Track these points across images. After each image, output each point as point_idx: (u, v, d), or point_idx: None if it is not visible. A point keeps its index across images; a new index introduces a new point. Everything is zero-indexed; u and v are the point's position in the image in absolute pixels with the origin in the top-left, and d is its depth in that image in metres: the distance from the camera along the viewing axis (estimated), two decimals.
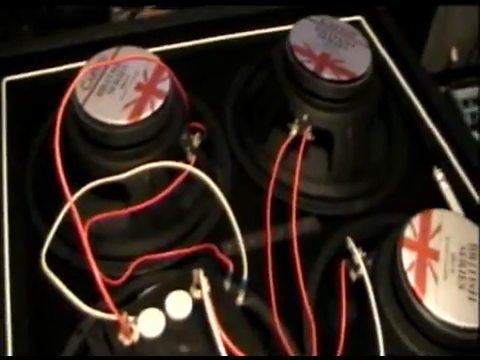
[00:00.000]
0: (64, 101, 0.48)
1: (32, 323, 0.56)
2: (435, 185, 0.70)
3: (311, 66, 0.63)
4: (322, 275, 0.59)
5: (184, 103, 0.61)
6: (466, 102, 1.03)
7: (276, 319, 0.54)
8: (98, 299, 0.43)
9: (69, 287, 0.45)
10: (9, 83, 0.72)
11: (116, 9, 1.04)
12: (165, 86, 0.58)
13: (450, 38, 1.10)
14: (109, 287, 0.51)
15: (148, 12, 1.03)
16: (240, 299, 0.51)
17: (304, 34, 0.66)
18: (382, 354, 0.48)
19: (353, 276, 0.53)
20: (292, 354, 0.51)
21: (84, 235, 0.43)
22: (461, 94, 1.05)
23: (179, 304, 0.45)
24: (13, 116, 0.69)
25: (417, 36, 1.09)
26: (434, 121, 0.74)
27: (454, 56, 1.10)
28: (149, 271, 0.58)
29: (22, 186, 0.64)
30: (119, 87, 0.57)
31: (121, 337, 0.43)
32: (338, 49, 0.66)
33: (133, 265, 0.56)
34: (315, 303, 0.57)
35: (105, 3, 0.95)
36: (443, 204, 0.68)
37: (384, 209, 0.67)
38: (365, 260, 0.53)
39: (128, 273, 0.55)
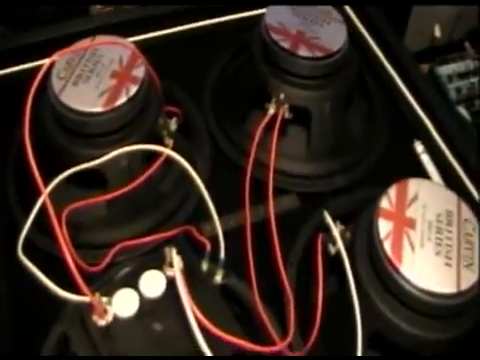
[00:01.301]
0: (32, 88, 0.49)
1: (15, 312, 0.56)
2: (416, 158, 0.70)
3: (286, 44, 0.63)
4: (303, 251, 0.59)
5: (158, 88, 0.61)
6: (450, 77, 1.03)
7: (256, 297, 0.53)
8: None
9: (50, 277, 0.45)
10: None
11: (98, 6, 1.04)
12: (140, 72, 0.59)
13: (433, 15, 1.09)
14: (89, 274, 0.52)
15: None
16: (218, 278, 0.51)
17: (279, 14, 0.67)
18: (359, 326, 0.48)
19: (332, 250, 0.53)
20: (272, 331, 0.51)
21: (56, 224, 0.44)
22: (445, 70, 1.04)
23: (153, 283, 0.45)
24: None
25: (400, 14, 1.09)
26: (413, 95, 0.74)
27: (437, 33, 1.09)
28: (129, 257, 0.57)
29: (3, 179, 0.64)
30: (94, 76, 0.58)
31: (95, 318, 0.43)
32: (313, 26, 0.66)
33: (112, 252, 0.56)
34: (296, 280, 0.57)
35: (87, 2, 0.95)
36: (424, 176, 0.68)
37: (365, 184, 0.67)
38: (343, 233, 0.54)
39: (107, 260, 0.55)
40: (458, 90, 1.03)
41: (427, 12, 1.10)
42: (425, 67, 1.07)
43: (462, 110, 1.02)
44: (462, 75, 1.05)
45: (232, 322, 0.48)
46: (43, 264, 0.48)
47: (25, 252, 0.50)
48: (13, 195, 0.64)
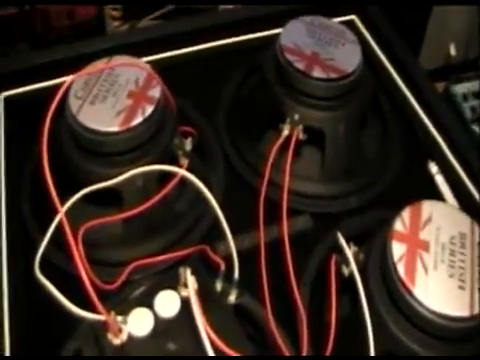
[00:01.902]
0: (52, 108, 0.50)
1: (29, 328, 0.57)
2: (430, 179, 0.70)
3: (301, 65, 0.64)
4: (317, 272, 0.60)
5: (173, 109, 0.62)
6: (465, 96, 1.03)
7: (270, 316, 0.54)
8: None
9: (66, 294, 0.46)
10: (7, 98, 0.73)
11: (115, 23, 1.06)
12: (156, 92, 0.59)
13: (448, 33, 1.09)
14: (104, 292, 0.53)
15: (145, 24, 1.04)
16: (232, 298, 0.51)
17: (294, 35, 0.67)
18: (372, 347, 0.48)
19: (345, 271, 0.54)
20: (285, 351, 0.51)
21: (72, 243, 0.45)
22: (460, 89, 1.04)
23: (167, 303, 0.46)
24: (11, 129, 0.70)
25: (415, 33, 1.09)
26: (428, 115, 0.74)
27: (452, 51, 1.09)
28: (144, 275, 0.58)
29: (19, 197, 0.65)
30: (111, 95, 0.59)
31: (110, 337, 0.43)
32: (328, 48, 0.66)
33: (127, 270, 0.56)
34: (309, 300, 0.57)
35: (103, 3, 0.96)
36: (439, 197, 0.68)
37: (379, 204, 0.67)
38: (357, 255, 0.54)
39: (123, 278, 0.56)
40: (473, 109, 1.03)
41: (442, 30, 1.10)
42: (440, 85, 1.07)
43: (477, 129, 1.01)
44: (477, 94, 1.05)
45: (245, 342, 0.48)
46: (59, 281, 0.49)
47: (41, 268, 0.51)
48: (28, 211, 0.64)
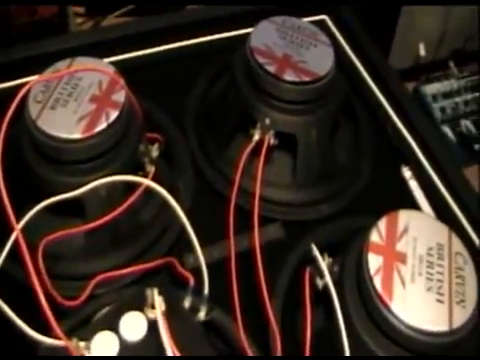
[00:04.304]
0: (7, 116, 0.47)
1: None
2: (404, 184, 0.69)
3: (272, 68, 0.61)
4: (289, 283, 0.58)
5: (139, 114, 0.59)
6: (435, 97, 1.04)
7: (241, 333, 0.52)
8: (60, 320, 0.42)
9: (29, 310, 0.43)
10: None
11: (78, 20, 1.02)
12: (120, 97, 0.56)
13: (417, 33, 1.09)
14: (67, 308, 0.50)
15: (111, 21, 1.01)
16: (201, 314, 0.49)
17: (265, 36, 0.65)
18: None
19: (319, 283, 0.52)
20: None
21: (30, 265, 0.42)
22: (430, 89, 1.05)
23: (133, 326, 0.43)
24: None
25: (384, 33, 1.09)
26: (401, 119, 0.73)
27: (422, 51, 1.09)
28: (109, 289, 0.55)
29: None
30: (73, 100, 0.55)
31: None
32: (300, 50, 0.64)
33: (91, 285, 0.53)
34: (282, 313, 0.55)
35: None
36: (412, 202, 0.67)
37: (352, 211, 0.65)
38: (331, 266, 0.52)
39: (87, 293, 0.53)
40: (442, 110, 1.03)
41: (412, 30, 1.10)
42: (410, 86, 1.07)
43: (447, 130, 1.02)
44: (446, 94, 1.06)
45: None
46: (22, 296, 0.46)
47: (3, 284, 0.49)
48: None
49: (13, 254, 0.50)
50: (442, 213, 0.65)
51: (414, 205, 0.67)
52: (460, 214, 0.65)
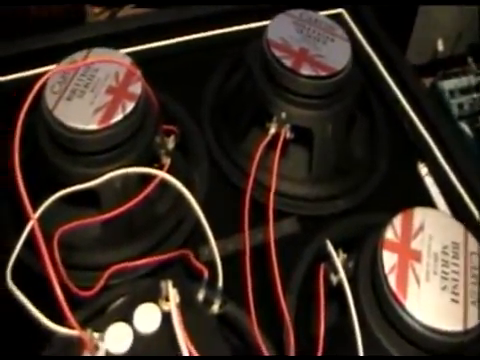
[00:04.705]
0: (24, 107, 0.47)
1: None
2: (420, 180, 0.69)
3: (289, 62, 0.61)
4: (304, 278, 0.58)
5: (155, 105, 0.59)
6: (452, 93, 1.02)
7: (255, 327, 0.52)
8: (75, 310, 0.42)
9: (44, 299, 0.43)
10: None
11: (96, 10, 1.02)
12: (137, 88, 0.56)
13: (435, 29, 1.08)
14: (81, 299, 0.50)
15: (127, 11, 1.01)
16: (215, 307, 0.49)
17: (282, 29, 0.64)
18: None
19: (334, 279, 0.52)
20: None
21: (45, 255, 0.42)
22: (447, 85, 1.03)
23: (147, 317, 0.43)
24: None
25: (403, 28, 1.08)
26: (417, 114, 0.72)
27: (440, 47, 1.08)
28: (123, 280, 0.56)
29: None
30: (89, 91, 0.55)
31: (86, 354, 0.41)
32: (317, 44, 0.64)
33: (105, 276, 0.54)
34: (296, 308, 0.55)
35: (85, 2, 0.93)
36: (428, 199, 0.67)
37: (368, 207, 0.65)
38: (346, 262, 0.52)
39: (101, 283, 0.53)
40: (460, 106, 1.02)
41: (430, 25, 1.09)
42: (427, 81, 1.06)
43: (464, 126, 1.00)
44: (464, 90, 1.04)
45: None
46: (38, 286, 0.45)
47: (19, 274, 0.48)
48: (5, 212, 0.61)
49: (30, 244, 0.51)
50: (458, 210, 0.65)
51: (430, 202, 0.67)
52: (476, 212, 0.65)
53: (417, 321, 0.45)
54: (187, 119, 0.68)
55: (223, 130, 0.68)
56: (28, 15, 0.85)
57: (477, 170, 0.68)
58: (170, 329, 0.42)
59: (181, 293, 0.44)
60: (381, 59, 0.78)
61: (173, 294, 0.43)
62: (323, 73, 0.61)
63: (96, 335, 0.41)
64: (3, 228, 0.60)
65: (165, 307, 0.43)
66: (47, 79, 0.55)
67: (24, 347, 0.53)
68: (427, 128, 0.71)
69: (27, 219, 0.49)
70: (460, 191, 0.67)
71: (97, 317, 0.48)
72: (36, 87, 0.52)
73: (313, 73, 0.60)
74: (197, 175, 0.64)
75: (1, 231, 0.59)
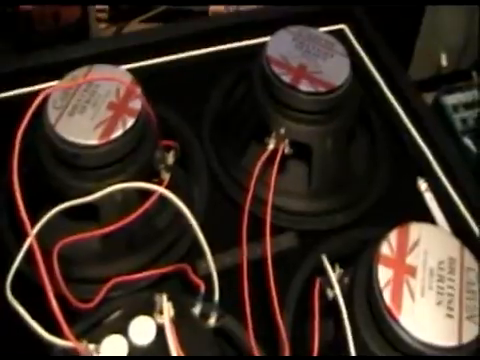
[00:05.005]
0: (23, 122, 0.48)
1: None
2: (419, 195, 0.69)
3: (287, 78, 0.62)
4: (301, 293, 0.58)
5: (154, 121, 0.60)
6: (456, 107, 1.02)
7: (252, 340, 0.52)
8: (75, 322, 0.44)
9: (45, 311, 0.44)
10: None
11: (102, 25, 1.03)
12: (137, 104, 0.57)
13: (439, 43, 1.08)
14: (81, 311, 0.51)
15: (133, 27, 1.02)
16: (212, 321, 0.50)
17: (281, 46, 0.65)
18: None
19: (329, 294, 0.52)
20: None
21: (42, 268, 0.43)
22: (451, 99, 1.03)
23: (142, 330, 0.43)
24: None
25: (406, 42, 1.08)
26: (418, 130, 0.73)
27: (444, 61, 1.08)
28: (122, 293, 0.56)
29: None
30: (91, 106, 0.57)
31: None
32: (316, 60, 0.64)
33: (105, 289, 0.54)
34: (293, 323, 0.56)
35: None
36: (427, 215, 0.67)
37: (367, 222, 0.65)
38: (342, 277, 0.52)
39: (101, 295, 0.54)
40: (464, 121, 1.01)
41: (434, 40, 1.09)
42: (430, 96, 1.06)
43: (468, 141, 1.00)
44: (468, 105, 1.04)
45: None
46: (37, 297, 0.46)
47: (20, 284, 0.49)
48: (5, 223, 0.62)
49: (30, 256, 0.52)
50: (457, 227, 0.65)
51: (429, 218, 0.66)
52: (476, 228, 0.65)
53: (411, 336, 0.46)
54: (188, 135, 0.69)
55: (223, 145, 0.69)
56: (33, 30, 0.86)
57: (477, 187, 0.68)
58: (165, 342, 0.42)
59: (177, 306, 0.45)
60: (382, 75, 0.79)
61: (167, 307, 0.43)
62: (322, 89, 0.61)
63: (92, 347, 0.42)
64: (4, 239, 0.60)
65: (160, 320, 0.44)
66: (48, 94, 0.56)
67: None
68: (427, 144, 0.71)
69: (26, 234, 0.50)
70: (460, 207, 0.67)
71: (94, 329, 0.48)
72: (36, 102, 0.52)
73: (312, 89, 0.61)
74: (197, 190, 0.65)
75: (2, 241, 0.60)
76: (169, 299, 0.44)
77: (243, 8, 0.93)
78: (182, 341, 0.43)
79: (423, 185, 0.69)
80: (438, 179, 0.69)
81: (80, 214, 0.57)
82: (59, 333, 0.43)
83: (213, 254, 0.51)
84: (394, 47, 0.82)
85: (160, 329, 0.43)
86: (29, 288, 0.50)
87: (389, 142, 0.73)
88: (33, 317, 0.44)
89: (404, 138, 0.73)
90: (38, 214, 0.51)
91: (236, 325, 0.54)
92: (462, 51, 1.10)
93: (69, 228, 0.56)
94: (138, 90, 0.58)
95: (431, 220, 0.66)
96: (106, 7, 1.00)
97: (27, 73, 0.72)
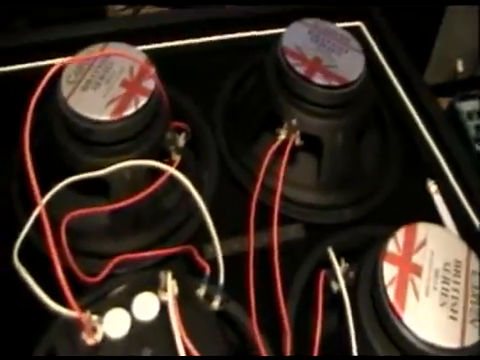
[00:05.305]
0: (36, 93, 0.48)
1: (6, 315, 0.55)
2: (428, 197, 0.69)
3: (302, 70, 0.62)
4: (306, 284, 0.58)
5: (167, 103, 0.60)
6: (470, 114, 1.01)
7: (255, 327, 0.52)
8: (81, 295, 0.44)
9: (50, 282, 0.44)
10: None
11: (119, 6, 1.03)
12: (150, 84, 0.57)
13: (456, 49, 1.08)
14: (87, 284, 0.52)
15: (150, 10, 1.02)
16: (215, 304, 0.49)
17: (297, 37, 0.65)
18: None
19: (334, 287, 0.52)
20: None
21: (50, 239, 0.43)
22: (466, 106, 1.03)
23: (146, 306, 0.44)
24: (2, 107, 0.68)
25: (423, 45, 1.08)
26: (430, 132, 0.72)
27: (460, 67, 1.08)
28: (128, 270, 0.56)
29: (8, 179, 0.63)
30: (104, 83, 0.56)
31: (84, 336, 0.41)
32: (331, 54, 0.64)
33: (111, 265, 0.55)
34: (296, 313, 0.56)
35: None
36: (436, 217, 0.67)
37: (375, 219, 0.65)
38: (347, 271, 0.52)
39: (106, 271, 0.54)
40: (478, 128, 1.01)
41: (451, 45, 1.09)
42: (445, 101, 1.05)
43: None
44: None
45: (224, 352, 0.46)
46: (44, 267, 0.46)
47: (28, 254, 0.48)
48: (16, 194, 0.62)
49: (39, 228, 0.52)
50: (465, 230, 0.65)
51: (437, 219, 0.66)
52: None
53: (413, 334, 0.45)
54: (200, 120, 0.69)
55: (235, 132, 0.69)
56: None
57: None
58: (167, 318, 0.42)
59: (181, 286, 0.45)
60: (396, 75, 0.79)
61: (171, 285, 0.43)
62: (335, 83, 0.61)
63: (95, 318, 0.42)
64: (14, 208, 0.61)
65: (163, 297, 0.44)
66: (62, 68, 0.55)
67: (27, 326, 0.54)
68: (439, 147, 0.71)
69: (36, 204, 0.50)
70: (468, 211, 0.66)
71: (98, 302, 0.48)
72: (49, 73, 0.52)
73: (325, 82, 0.61)
74: (206, 174, 0.65)
75: (12, 211, 0.60)
76: (174, 278, 0.44)
77: None
78: (185, 320, 0.43)
79: (433, 187, 0.68)
80: (448, 182, 0.69)
81: (90, 189, 0.57)
82: (64, 304, 0.43)
83: (220, 239, 0.51)
84: (411, 49, 0.81)
85: (163, 306, 0.44)
86: (38, 259, 0.50)
87: (401, 142, 0.72)
88: (40, 286, 0.44)
89: (416, 139, 0.73)
90: (49, 185, 0.51)
91: (240, 310, 0.54)
92: (479, 58, 1.09)
93: (79, 202, 0.56)
94: (152, 70, 0.58)
95: (439, 222, 0.66)
96: None
97: (42, 47, 0.72)
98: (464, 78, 1.10)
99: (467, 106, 1.03)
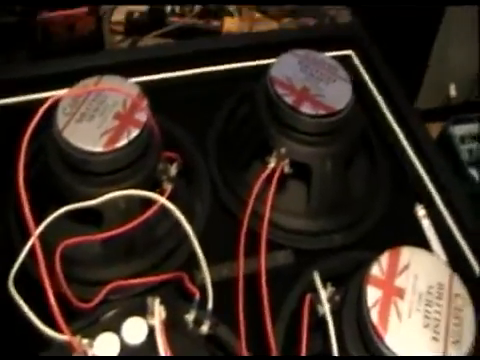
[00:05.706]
0: (31, 126, 0.50)
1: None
2: (417, 222, 0.70)
3: (290, 100, 0.64)
4: (294, 309, 0.59)
5: (158, 134, 0.62)
6: (463, 138, 1.03)
7: (244, 349, 0.53)
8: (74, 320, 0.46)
9: (44, 308, 0.46)
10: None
11: (117, 37, 1.06)
12: (142, 116, 0.59)
13: (449, 73, 1.10)
14: (80, 310, 0.53)
15: (148, 41, 1.05)
16: (205, 328, 0.51)
17: (286, 68, 0.67)
18: None
19: (320, 311, 0.53)
20: None
21: (42, 266, 0.45)
22: (458, 130, 1.04)
23: (134, 330, 0.45)
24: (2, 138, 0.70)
25: (415, 71, 1.10)
26: (418, 158, 0.74)
27: (452, 91, 1.10)
28: (120, 296, 0.58)
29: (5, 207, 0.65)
30: (98, 115, 0.59)
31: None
32: (319, 83, 0.66)
33: (104, 291, 0.56)
34: (285, 338, 0.57)
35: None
36: (424, 242, 0.68)
37: (363, 244, 0.66)
38: (333, 295, 0.53)
39: (100, 297, 0.55)
40: (470, 152, 1.02)
41: (443, 69, 1.11)
42: (438, 126, 1.07)
43: (474, 173, 1.01)
44: (476, 137, 1.05)
45: None
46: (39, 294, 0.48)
47: (23, 280, 0.51)
48: (14, 223, 0.63)
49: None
50: (453, 254, 0.66)
51: (425, 244, 0.67)
52: (471, 257, 0.66)
53: (396, 356, 0.46)
54: (192, 148, 0.71)
55: (226, 161, 0.70)
56: (49, 39, 0.89)
57: (474, 216, 0.69)
58: (155, 342, 0.44)
59: (170, 311, 0.46)
60: (385, 101, 0.80)
61: (158, 310, 0.45)
62: (322, 112, 0.63)
63: (85, 341, 0.44)
64: (11, 236, 0.62)
65: (151, 322, 0.45)
66: (58, 100, 0.58)
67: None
68: (427, 172, 0.72)
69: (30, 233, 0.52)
70: (456, 235, 0.67)
71: (90, 327, 0.50)
72: (45, 106, 0.55)
73: (313, 112, 0.63)
74: (198, 202, 0.67)
75: (8, 237, 0.62)
76: (162, 303, 0.46)
77: (255, 30, 0.95)
78: (173, 344, 0.44)
79: (421, 211, 0.70)
80: (436, 207, 0.70)
81: (85, 218, 0.59)
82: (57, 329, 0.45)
83: (210, 265, 0.53)
84: (402, 76, 0.83)
85: (151, 330, 0.45)
86: (34, 285, 0.51)
87: (389, 168, 0.74)
88: (34, 312, 0.46)
89: (405, 166, 0.74)
90: (44, 214, 0.54)
91: (229, 334, 0.55)
92: (472, 83, 1.11)
93: (74, 230, 0.58)
94: (144, 103, 0.60)
95: (427, 246, 0.67)
96: (122, 20, 1.03)
97: (41, 80, 0.75)
98: (458, 103, 1.12)
99: (460, 130, 1.04)
